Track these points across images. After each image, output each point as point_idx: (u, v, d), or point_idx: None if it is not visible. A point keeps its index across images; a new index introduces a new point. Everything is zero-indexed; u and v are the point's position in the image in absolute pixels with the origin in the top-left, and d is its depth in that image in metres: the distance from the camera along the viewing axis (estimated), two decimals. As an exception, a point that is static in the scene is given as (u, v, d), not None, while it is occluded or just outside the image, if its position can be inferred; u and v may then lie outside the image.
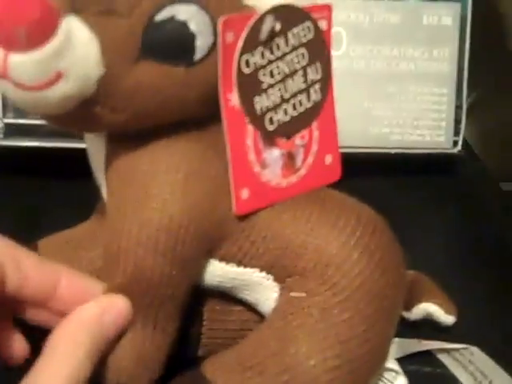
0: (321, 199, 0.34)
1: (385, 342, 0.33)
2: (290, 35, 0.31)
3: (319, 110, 0.33)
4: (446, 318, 0.38)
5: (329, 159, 0.35)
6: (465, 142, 0.52)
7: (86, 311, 0.28)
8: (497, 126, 0.94)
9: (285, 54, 0.31)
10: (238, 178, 0.31)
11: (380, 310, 0.32)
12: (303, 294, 0.31)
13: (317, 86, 0.33)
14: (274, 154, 0.32)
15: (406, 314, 0.38)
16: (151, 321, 0.31)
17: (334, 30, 0.48)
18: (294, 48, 0.31)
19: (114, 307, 0.29)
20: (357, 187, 0.51)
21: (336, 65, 0.49)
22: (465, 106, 0.51)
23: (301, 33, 0.31)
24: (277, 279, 0.33)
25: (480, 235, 0.50)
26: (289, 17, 0.31)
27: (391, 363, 0.35)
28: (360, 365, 0.31)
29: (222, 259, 0.32)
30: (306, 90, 0.32)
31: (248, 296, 0.34)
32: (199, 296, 0.35)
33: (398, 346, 0.37)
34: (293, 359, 0.30)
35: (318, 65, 0.33)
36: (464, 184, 0.54)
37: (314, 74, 0.33)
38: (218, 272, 0.33)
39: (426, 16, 0.50)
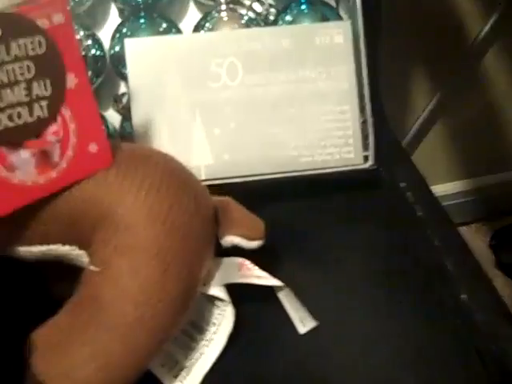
0: None
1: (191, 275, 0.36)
2: (13, 45, 0.31)
3: (44, 127, 0.33)
4: (250, 245, 0.41)
5: (94, 148, 0.35)
6: (380, 154, 0.52)
7: None
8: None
9: (4, 63, 0.31)
10: None
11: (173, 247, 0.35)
12: (97, 269, 0.35)
13: (43, 103, 0.33)
14: (23, 156, 0.33)
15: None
16: None
17: (229, 60, 0.50)
18: (18, 59, 0.31)
19: None
20: (273, 212, 0.52)
21: (234, 95, 0.50)
22: (370, 121, 0.51)
23: (29, 45, 0.31)
24: (81, 247, 0.36)
25: (394, 246, 0.50)
26: (13, 26, 0.31)
27: (218, 291, 0.39)
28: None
29: (23, 245, 0.36)
30: (29, 104, 0.32)
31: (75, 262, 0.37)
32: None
33: (221, 273, 0.40)
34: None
35: (48, 81, 0.33)
36: (378, 197, 0.54)
37: (40, 89, 0.33)
38: (27, 253, 0.36)
39: (318, 37, 0.50)
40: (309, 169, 0.51)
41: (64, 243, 0.36)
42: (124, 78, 0.52)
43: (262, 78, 0.50)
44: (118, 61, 0.52)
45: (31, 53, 0.31)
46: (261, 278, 0.40)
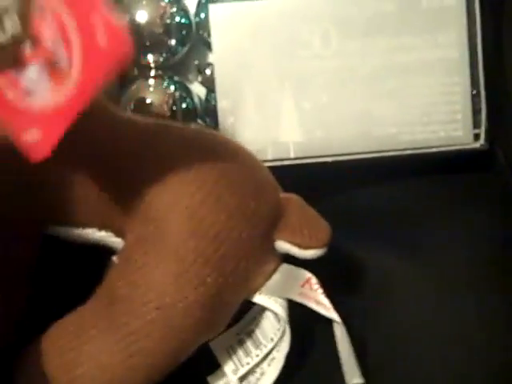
0: None
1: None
2: None
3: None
4: (303, 254, 0.34)
5: (102, 39, 0.25)
6: (490, 133, 0.46)
7: None
8: None
9: None
10: (12, 123, 0.26)
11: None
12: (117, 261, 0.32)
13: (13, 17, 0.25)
14: (32, 74, 0.26)
15: None
16: None
17: (322, 26, 0.45)
18: None
19: None
20: (368, 195, 0.48)
21: (327, 65, 0.45)
22: (483, 94, 0.45)
23: None
24: (118, 235, 0.33)
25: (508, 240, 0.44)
26: None
27: (272, 303, 0.34)
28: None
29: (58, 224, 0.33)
30: None
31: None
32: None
33: (280, 283, 0.34)
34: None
35: None
36: (489, 182, 0.47)
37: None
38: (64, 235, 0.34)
39: (426, -2, 0.44)
40: (409, 148, 0.46)
41: (100, 228, 0.33)
42: (210, 47, 0.49)
43: (360, 46, 0.45)
44: (204, 29, 0.48)
45: None
46: (319, 304, 0.34)
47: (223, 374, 0.34)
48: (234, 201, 0.32)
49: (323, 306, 0.34)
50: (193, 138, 0.34)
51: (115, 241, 0.34)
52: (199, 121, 0.50)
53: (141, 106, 0.49)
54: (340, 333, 0.34)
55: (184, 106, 0.49)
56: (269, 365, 0.34)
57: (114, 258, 0.33)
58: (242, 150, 0.35)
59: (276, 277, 0.34)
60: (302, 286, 0.34)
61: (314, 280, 0.35)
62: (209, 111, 0.50)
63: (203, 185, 0.32)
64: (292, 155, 0.46)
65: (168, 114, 0.49)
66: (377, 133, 0.46)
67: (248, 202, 0.32)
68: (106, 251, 0.34)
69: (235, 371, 0.34)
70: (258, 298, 0.34)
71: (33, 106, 0.27)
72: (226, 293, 0.32)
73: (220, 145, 0.35)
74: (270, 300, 0.34)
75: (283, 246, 0.34)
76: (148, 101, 0.48)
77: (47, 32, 0.26)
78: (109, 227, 0.33)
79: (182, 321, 0.30)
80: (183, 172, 0.32)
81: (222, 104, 0.46)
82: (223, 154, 0.34)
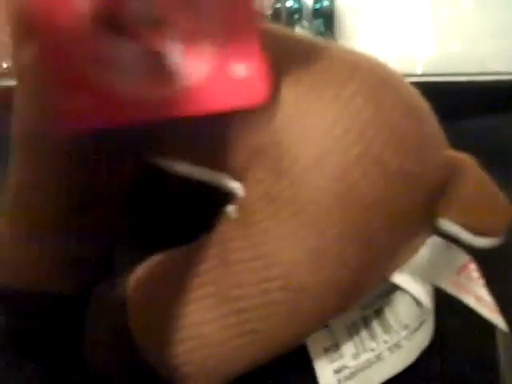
0: None
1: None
2: None
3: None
4: (475, 241, 0.26)
5: (241, 71, 0.23)
6: None
7: None
8: None
9: None
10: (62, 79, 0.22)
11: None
12: (234, 215, 0.26)
13: None
14: (131, 52, 0.22)
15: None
16: None
17: None
18: None
19: None
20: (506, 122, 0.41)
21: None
22: None
23: None
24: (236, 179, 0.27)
25: None
26: None
27: (417, 288, 0.27)
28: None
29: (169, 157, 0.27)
30: None
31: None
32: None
33: (433, 266, 0.27)
34: None
35: None
36: None
37: None
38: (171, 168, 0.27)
39: None
40: None
41: (212, 168, 0.26)
42: None
43: None
44: None
45: None
46: (481, 301, 0.27)
47: (339, 355, 0.29)
48: (396, 162, 0.24)
49: (486, 304, 0.27)
50: (349, 69, 0.26)
51: (233, 185, 0.27)
52: (305, 23, 0.44)
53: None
54: (504, 342, 0.28)
55: (289, 4, 0.43)
56: (391, 351, 0.28)
57: (230, 209, 0.26)
58: (404, 90, 0.27)
59: (424, 253, 0.27)
60: (459, 272, 0.27)
61: (472, 265, 0.27)
62: (319, 13, 0.43)
63: (360, 138, 0.24)
64: (419, 71, 0.39)
65: (269, 12, 0.42)
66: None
67: (412, 164, 0.25)
68: (219, 193, 0.28)
69: (356, 356, 0.28)
70: (400, 279, 0.26)
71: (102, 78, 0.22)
72: (369, 275, 0.25)
73: (381, 82, 0.26)
74: (413, 283, 0.26)
75: (450, 227, 0.26)
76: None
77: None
78: (225, 169, 0.26)
79: (310, 307, 0.24)
80: (333, 117, 0.24)
81: (340, 4, 0.39)
82: (382, 96, 0.25)
